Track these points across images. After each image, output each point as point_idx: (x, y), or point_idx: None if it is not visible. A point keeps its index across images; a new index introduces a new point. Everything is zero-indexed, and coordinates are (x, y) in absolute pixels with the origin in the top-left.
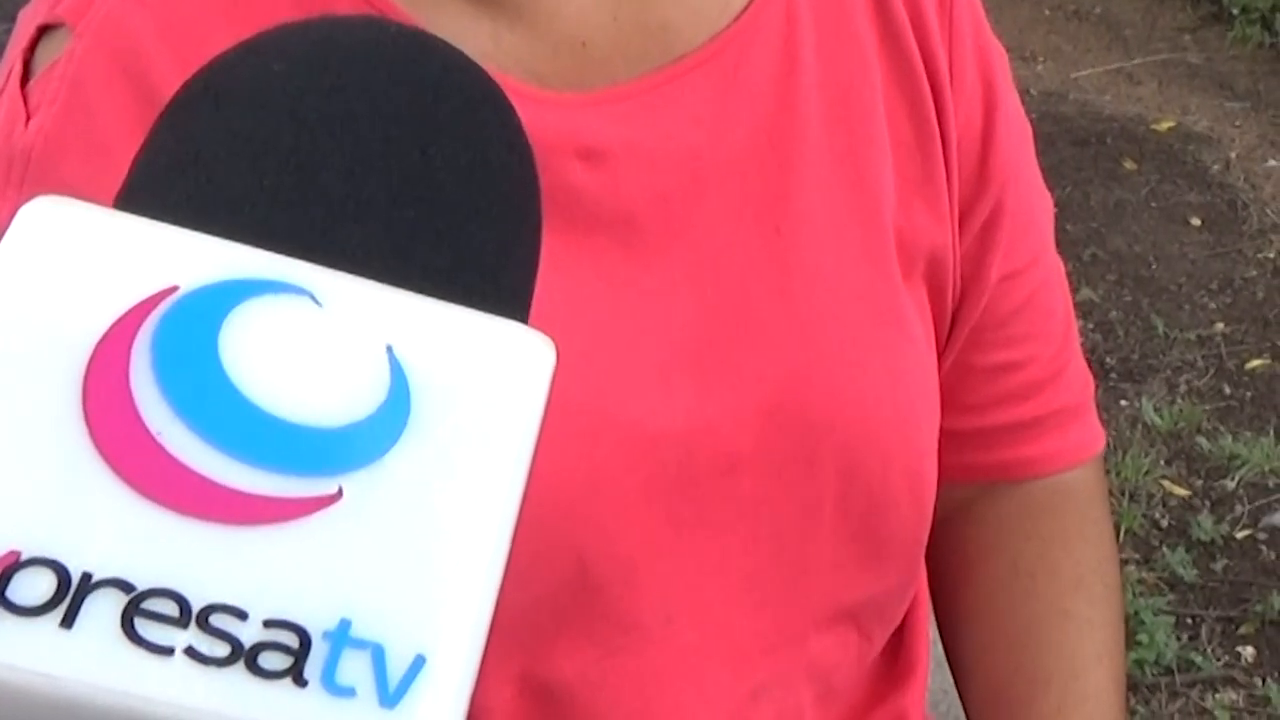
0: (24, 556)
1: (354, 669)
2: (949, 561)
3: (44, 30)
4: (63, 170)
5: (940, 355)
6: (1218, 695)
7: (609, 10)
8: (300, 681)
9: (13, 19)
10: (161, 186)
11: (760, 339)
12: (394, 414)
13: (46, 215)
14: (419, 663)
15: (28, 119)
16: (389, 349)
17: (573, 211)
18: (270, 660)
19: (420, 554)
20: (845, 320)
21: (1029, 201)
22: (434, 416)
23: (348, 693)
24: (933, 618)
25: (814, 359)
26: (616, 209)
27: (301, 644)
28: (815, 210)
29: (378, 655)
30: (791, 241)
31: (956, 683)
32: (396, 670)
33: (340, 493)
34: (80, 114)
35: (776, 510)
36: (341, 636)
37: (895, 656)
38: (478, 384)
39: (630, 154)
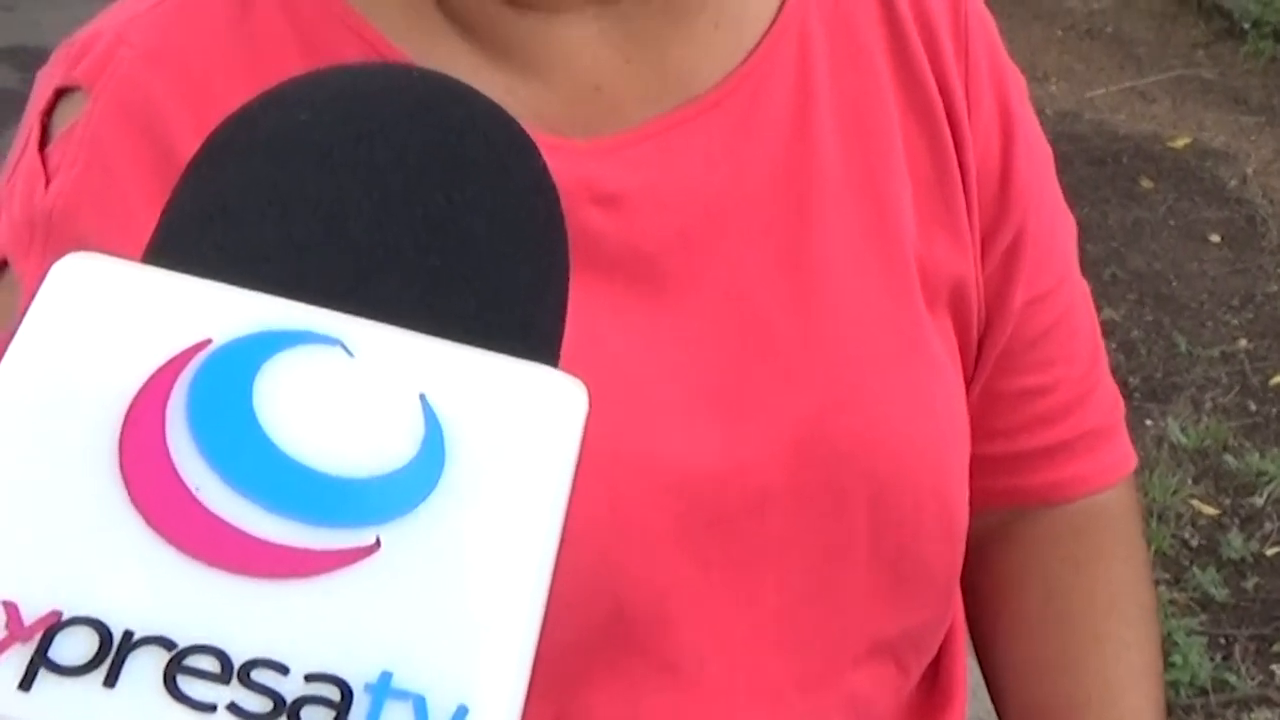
0: (65, 616)
1: None
2: (983, 587)
3: (61, 93)
4: (84, 230)
5: (968, 383)
6: (1253, 715)
7: (621, 53)
8: None
9: (28, 69)
10: (190, 240)
11: (785, 375)
12: (429, 462)
13: (78, 272)
14: (461, 713)
15: (48, 181)
16: (422, 397)
17: (593, 256)
18: (313, 714)
19: (460, 602)
20: (870, 353)
21: (1051, 225)
22: (469, 463)
23: None
24: (970, 642)
25: (840, 393)
26: (636, 253)
27: (343, 697)
28: (836, 245)
29: (420, 706)
30: (813, 277)
31: (995, 707)
32: None
33: (378, 543)
34: (99, 175)
35: (808, 546)
36: (383, 688)
37: (933, 686)
38: (512, 430)
39: (647, 198)
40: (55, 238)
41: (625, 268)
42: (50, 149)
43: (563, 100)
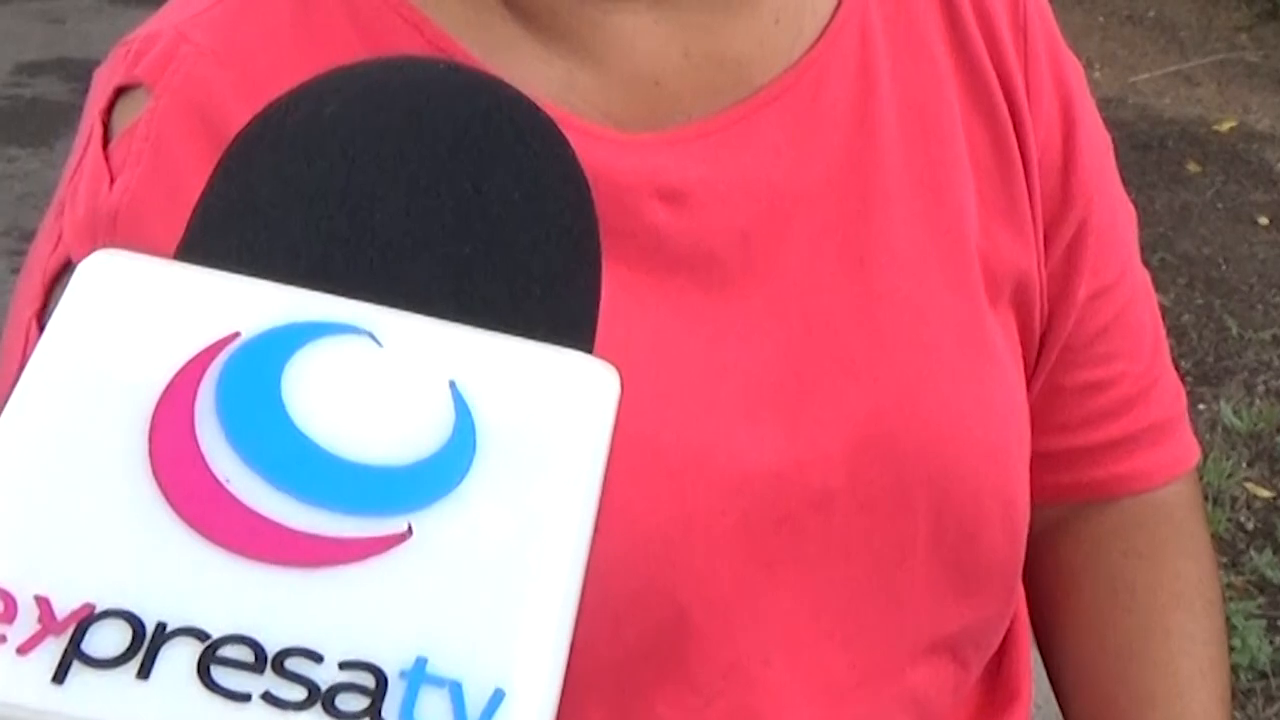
0: (98, 609)
1: (432, 706)
2: (1045, 581)
3: (121, 91)
4: (149, 229)
5: (1030, 377)
6: None
7: (679, 46)
8: None
9: (77, 80)
10: (220, 235)
11: (847, 372)
12: (460, 449)
13: (106, 268)
14: (498, 697)
15: (111, 180)
16: (452, 384)
17: (655, 252)
18: (347, 702)
19: (494, 588)
20: (932, 350)
21: (1113, 216)
22: (500, 449)
23: None
24: (1032, 636)
25: (902, 390)
26: (699, 248)
27: (378, 684)
28: (898, 239)
29: (455, 692)
30: (875, 272)
31: (1059, 702)
32: (475, 705)
33: (410, 531)
34: (164, 173)
35: (870, 544)
36: (418, 674)
37: (995, 682)
38: (543, 415)
39: (710, 193)
40: (120, 236)
41: (688, 264)
42: (113, 147)
43: (623, 92)
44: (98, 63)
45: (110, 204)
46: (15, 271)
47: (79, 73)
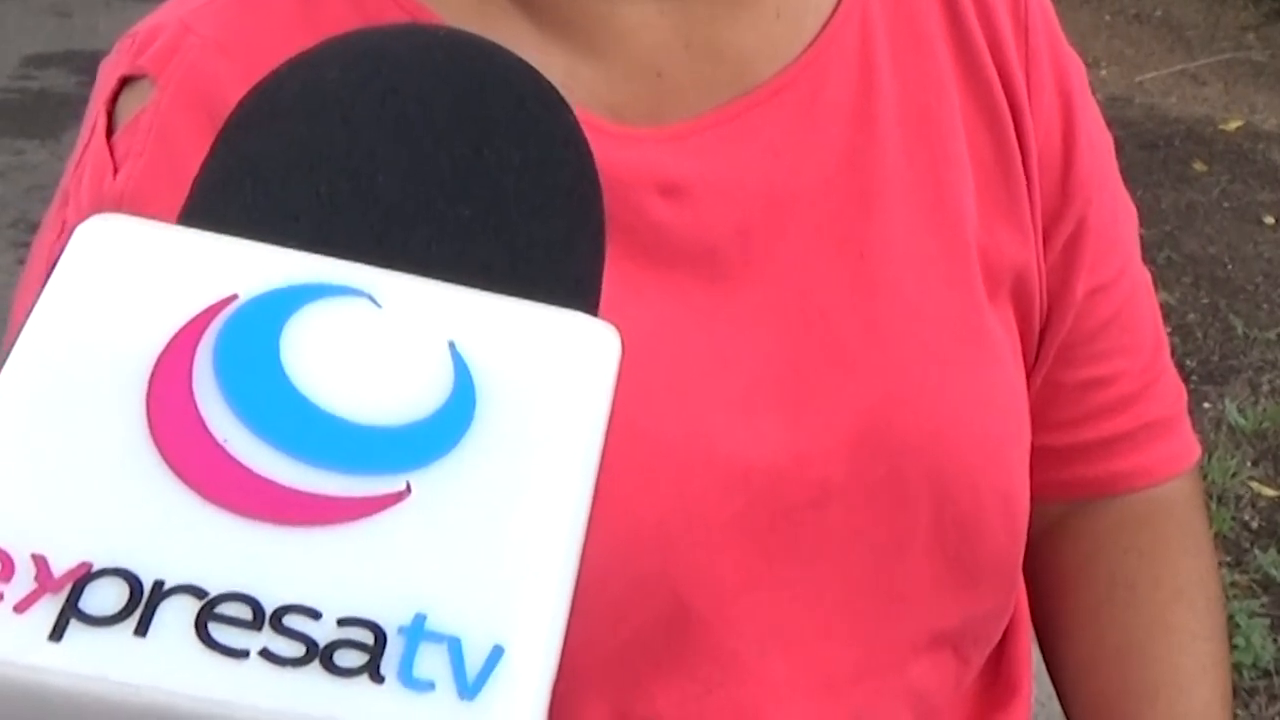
0: (95, 567)
1: (431, 663)
2: (1046, 578)
3: (126, 82)
4: (152, 219)
5: (1029, 373)
6: None
7: (681, 38)
8: (377, 678)
9: (84, 73)
10: (221, 201)
11: (847, 366)
12: (459, 408)
13: (104, 232)
14: (497, 653)
15: (115, 170)
16: (451, 344)
17: (655, 246)
18: (346, 658)
19: (493, 545)
20: (931, 344)
21: (1113, 214)
22: (500, 409)
23: (426, 686)
24: (1032, 632)
25: (901, 384)
26: (698, 243)
27: (377, 640)
28: (898, 234)
29: (455, 648)
30: (875, 267)
31: (1060, 698)
32: (475, 662)
33: (409, 489)
34: (168, 163)
35: (869, 538)
36: (417, 631)
37: (996, 677)
38: (542, 374)
39: (710, 188)
40: None
41: (687, 259)
42: (117, 138)
43: (624, 84)
44: (106, 55)
45: (114, 194)
46: (23, 263)
47: (86, 65)
